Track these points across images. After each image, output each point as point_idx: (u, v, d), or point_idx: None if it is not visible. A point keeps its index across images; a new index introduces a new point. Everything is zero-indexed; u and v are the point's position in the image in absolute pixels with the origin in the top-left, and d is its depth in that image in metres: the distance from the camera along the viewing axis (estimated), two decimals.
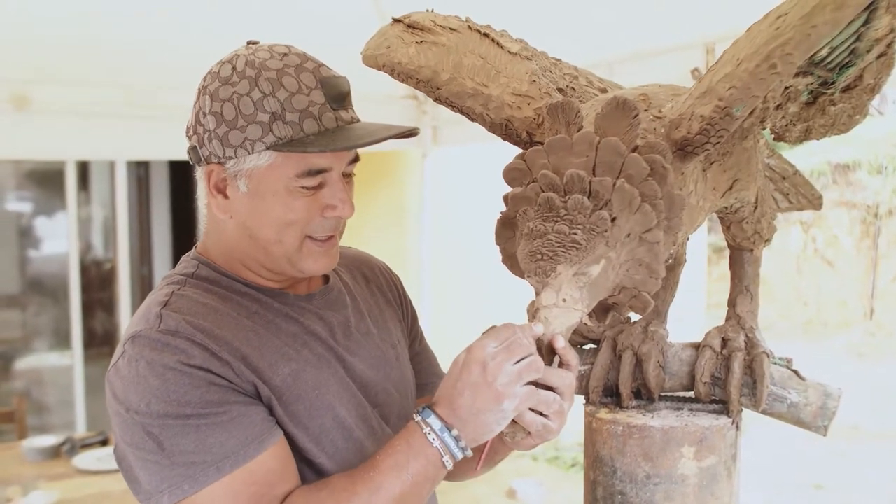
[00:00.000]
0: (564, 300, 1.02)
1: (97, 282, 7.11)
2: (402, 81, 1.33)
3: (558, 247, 1.01)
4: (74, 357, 5.54)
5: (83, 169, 7.26)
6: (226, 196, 1.26)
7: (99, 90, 4.20)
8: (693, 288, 6.57)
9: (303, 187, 1.22)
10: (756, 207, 1.39)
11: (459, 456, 1.14)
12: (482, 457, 1.23)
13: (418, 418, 1.15)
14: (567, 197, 1.03)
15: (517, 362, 1.09)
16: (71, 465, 3.38)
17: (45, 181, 6.93)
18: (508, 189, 1.13)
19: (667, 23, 3.17)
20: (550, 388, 1.13)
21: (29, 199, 7.39)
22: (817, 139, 1.43)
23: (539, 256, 1.02)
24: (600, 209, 1.02)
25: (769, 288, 10.04)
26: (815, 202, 1.70)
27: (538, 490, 5.42)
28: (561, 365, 1.14)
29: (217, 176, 1.25)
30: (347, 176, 1.29)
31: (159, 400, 1.14)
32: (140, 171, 7.48)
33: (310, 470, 1.25)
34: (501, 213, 1.13)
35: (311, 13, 3.26)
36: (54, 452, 3.49)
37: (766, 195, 1.44)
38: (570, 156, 1.05)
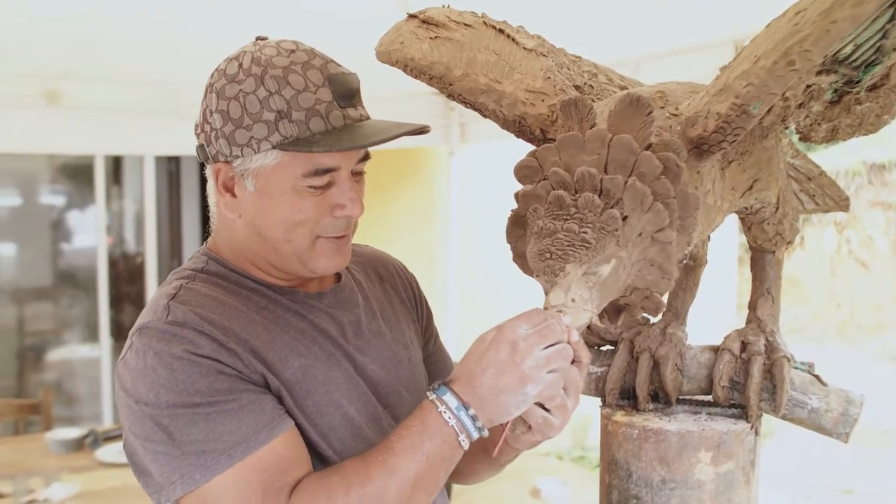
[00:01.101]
0: (573, 300, 1.00)
1: (127, 275, 7.18)
2: (416, 77, 1.32)
3: (567, 246, 1.00)
4: (102, 349, 5.61)
5: (116, 163, 7.35)
6: (234, 195, 1.25)
7: (128, 86, 4.25)
8: (723, 288, 6.50)
9: (310, 187, 1.21)
10: (777, 208, 1.36)
11: (476, 436, 1.11)
12: (500, 441, 1.18)
13: (433, 396, 1.12)
14: (577, 195, 1.01)
15: (547, 347, 1.07)
16: (93, 457, 3.42)
17: (78, 175, 7.01)
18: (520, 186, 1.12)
19: (696, 20, 3.13)
20: None
21: (62, 193, 7.48)
22: (844, 139, 1.40)
23: (548, 255, 1.01)
24: (611, 208, 1.00)
25: (802, 290, 9.92)
26: (841, 204, 1.66)
27: (563, 490, 5.37)
28: (573, 361, 1.12)
29: (225, 175, 1.24)
30: (357, 174, 1.27)
31: (168, 390, 1.14)
32: (171, 166, 7.55)
33: (320, 464, 1.24)
34: (512, 210, 1.12)
35: (337, 11, 3.27)
36: (77, 445, 3.53)
37: (789, 196, 1.41)
38: (581, 153, 1.03)
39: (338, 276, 1.41)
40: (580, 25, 3.22)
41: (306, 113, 1.17)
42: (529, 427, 1.13)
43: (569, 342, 1.09)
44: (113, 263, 6.96)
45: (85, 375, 6.65)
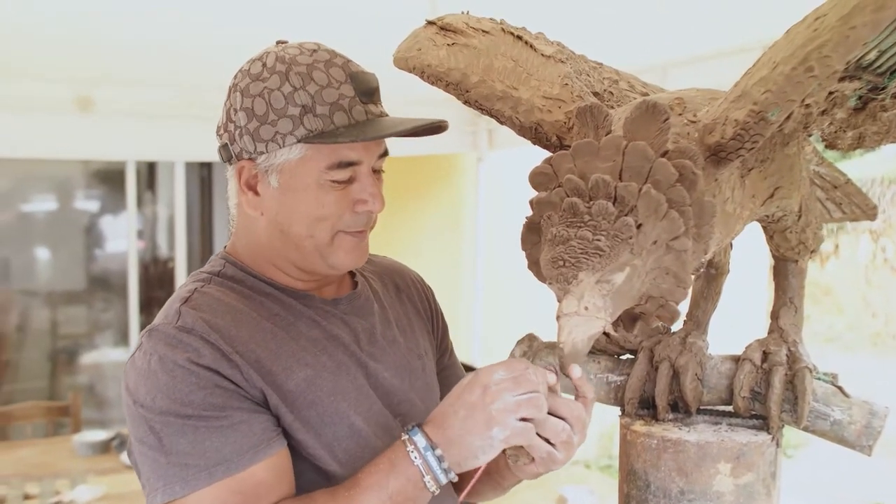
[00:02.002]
0: (587, 308, 0.99)
1: (159, 280, 7.26)
2: (432, 84, 1.32)
3: (581, 253, 0.99)
4: None
5: (150, 169, 7.43)
6: (256, 193, 1.27)
7: (160, 91, 4.29)
8: (753, 296, 6.42)
9: (333, 181, 1.23)
10: (800, 216, 1.34)
11: (442, 479, 1.11)
12: (468, 487, 1.19)
13: (405, 436, 1.13)
14: (591, 202, 1.00)
15: (520, 395, 1.07)
16: (119, 460, 3.46)
17: (112, 180, 7.09)
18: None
19: (724, 25, 3.10)
20: (561, 418, 1.11)
21: (96, 198, 7.58)
22: (872, 147, 1.38)
23: (561, 263, 1.00)
24: (625, 215, 0.99)
25: (836, 299, 9.78)
26: (869, 213, 1.64)
27: (589, 498, 5.31)
28: (577, 397, 1.13)
29: (248, 173, 1.26)
30: (377, 172, 1.29)
31: (164, 396, 1.15)
32: (203, 172, 7.62)
33: (320, 476, 1.24)
34: (527, 217, 1.11)
35: (367, 13, 3.28)
36: (104, 447, 3.58)
37: (812, 204, 1.38)
38: (596, 160, 1.02)
39: (354, 283, 1.42)
40: (608, 32, 3.21)
41: (330, 107, 1.20)
42: (532, 459, 1.13)
43: (551, 390, 1.10)
44: (145, 268, 7.04)
45: (116, 378, 6.71)
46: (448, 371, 1.55)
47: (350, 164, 1.23)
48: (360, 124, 1.21)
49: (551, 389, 1.12)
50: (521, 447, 1.11)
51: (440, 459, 1.10)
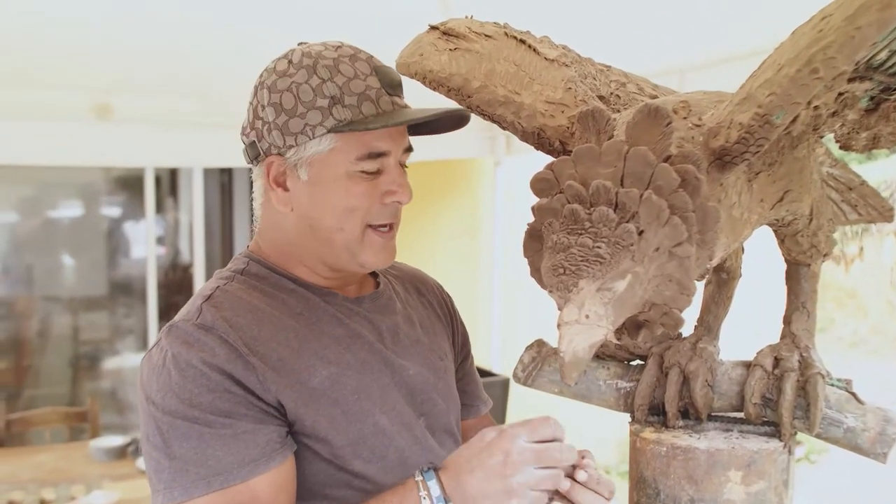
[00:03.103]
0: (587, 316, 0.98)
1: (179, 286, 7.30)
2: (434, 90, 1.32)
3: (581, 261, 0.97)
4: None
5: (172, 175, 7.49)
6: (285, 189, 1.28)
7: (177, 98, 4.31)
8: (774, 300, 6.35)
9: (363, 172, 1.25)
10: (811, 220, 1.32)
11: None
12: None
13: (419, 478, 1.13)
14: (592, 209, 0.98)
15: (541, 469, 1.08)
16: (135, 465, 3.47)
17: (134, 187, 7.15)
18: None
19: (740, 27, 3.07)
20: None
21: (118, 204, 7.65)
22: (888, 148, 1.35)
23: (561, 271, 0.98)
24: (626, 222, 0.97)
25: (860, 302, 9.67)
26: (886, 214, 1.61)
27: None
28: None
29: (276, 169, 1.27)
30: (402, 166, 1.31)
31: (174, 395, 1.16)
32: (223, 178, 7.67)
33: (345, 473, 1.24)
34: (528, 224, 1.10)
35: (380, 16, 3.28)
36: (120, 453, 3.60)
37: (824, 207, 1.36)
38: (597, 166, 1.01)
39: (376, 283, 1.43)
40: (625, 35, 3.19)
41: (358, 98, 1.22)
42: None
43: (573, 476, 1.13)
44: (165, 274, 7.09)
45: (136, 384, 6.75)
46: (467, 378, 1.56)
47: (379, 154, 1.25)
48: (388, 114, 1.24)
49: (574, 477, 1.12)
50: None
51: None
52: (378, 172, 1.26)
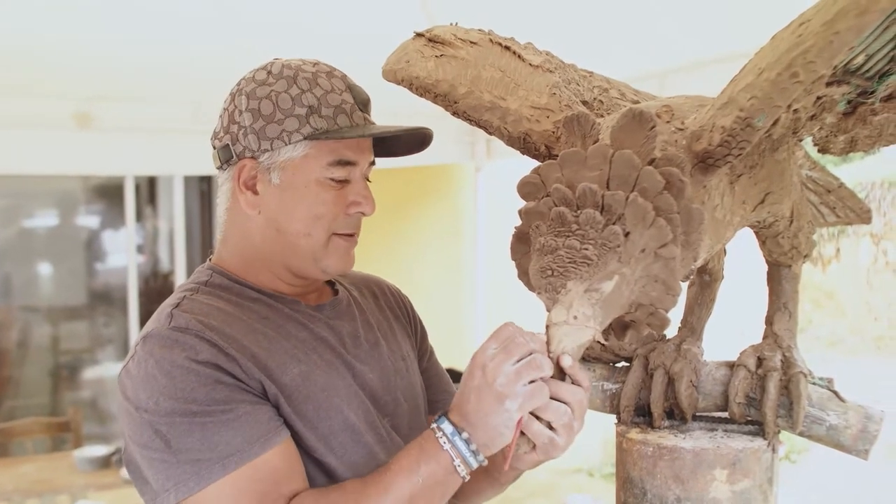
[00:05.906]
0: (575, 317, 0.99)
1: (160, 294, 7.26)
2: (421, 96, 1.33)
3: (569, 262, 0.99)
4: None
5: (150, 183, 7.44)
6: (255, 192, 1.31)
7: (158, 107, 4.30)
8: (756, 301, 6.40)
9: (332, 179, 1.29)
10: (792, 222, 1.34)
11: (473, 462, 1.14)
12: (509, 455, 1.17)
13: (434, 424, 1.16)
14: (579, 211, 1.00)
15: (517, 362, 1.09)
16: (119, 475, 3.45)
17: (112, 195, 7.11)
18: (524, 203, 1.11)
19: (720, 32, 3.10)
20: (562, 401, 1.11)
21: (96, 213, 7.60)
22: (864, 151, 1.38)
23: (549, 272, 1.00)
24: (613, 224, 0.99)
25: (838, 302, 9.75)
26: (863, 216, 1.64)
27: None
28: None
29: (248, 172, 1.30)
30: (366, 180, 1.35)
31: (167, 397, 1.16)
32: (203, 186, 7.64)
33: (318, 470, 1.26)
34: (516, 227, 1.11)
35: (361, 33, 3.29)
36: (104, 462, 3.57)
37: (804, 209, 1.38)
38: (583, 169, 1.02)
39: (335, 291, 1.46)
40: (608, 39, 3.21)
41: (334, 110, 1.28)
42: (534, 446, 1.14)
43: (562, 368, 1.10)
44: (145, 282, 7.05)
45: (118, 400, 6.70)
46: (429, 373, 1.58)
47: (348, 163, 1.29)
48: (360, 126, 1.29)
49: (553, 377, 1.11)
50: (523, 434, 1.12)
51: (468, 442, 1.13)
52: (345, 182, 1.31)
